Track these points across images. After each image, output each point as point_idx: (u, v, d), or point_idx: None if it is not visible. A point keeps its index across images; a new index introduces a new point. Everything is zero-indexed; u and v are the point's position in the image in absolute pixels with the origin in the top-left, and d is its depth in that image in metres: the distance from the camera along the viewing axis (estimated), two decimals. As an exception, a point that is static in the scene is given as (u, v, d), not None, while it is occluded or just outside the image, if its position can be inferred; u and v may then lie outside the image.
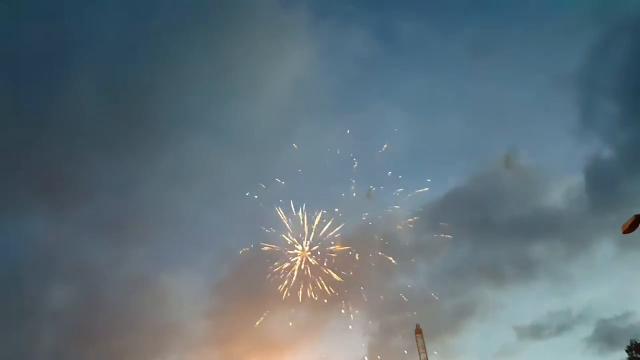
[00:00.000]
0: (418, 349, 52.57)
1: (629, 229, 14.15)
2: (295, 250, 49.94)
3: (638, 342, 43.13)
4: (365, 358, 54.04)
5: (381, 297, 52.37)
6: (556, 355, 73.62)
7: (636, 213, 13.77)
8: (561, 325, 69.56)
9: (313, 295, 50.00)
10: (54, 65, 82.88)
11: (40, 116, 77.49)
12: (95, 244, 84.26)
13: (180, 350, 67.45)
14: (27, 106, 76.59)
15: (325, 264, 49.93)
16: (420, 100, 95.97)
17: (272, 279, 49.94)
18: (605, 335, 60.00)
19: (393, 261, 50.71)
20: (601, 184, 69.18)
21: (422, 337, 53.48)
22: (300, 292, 49.99)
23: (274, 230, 50.43)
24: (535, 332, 70.73)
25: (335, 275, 50.17)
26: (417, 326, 53.64)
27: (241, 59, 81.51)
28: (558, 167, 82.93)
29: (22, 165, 76.59)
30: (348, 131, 55.89)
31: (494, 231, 74.39)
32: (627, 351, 43.50)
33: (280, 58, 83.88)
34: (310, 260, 50.10)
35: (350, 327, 53.14)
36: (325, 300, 50.68)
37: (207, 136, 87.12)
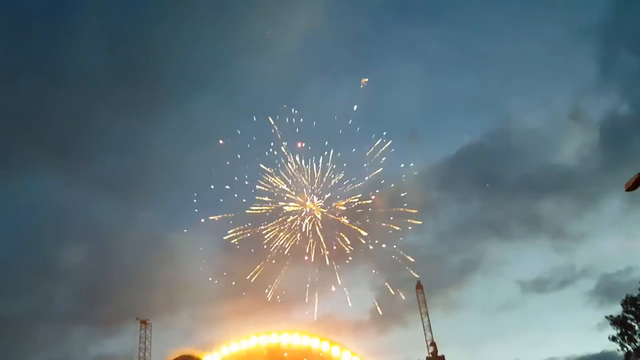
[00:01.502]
0: (419, 303, 53.96)
1: (632, 186, 14.25)
2: (303, 207, 50.51)
3: (633, 296, 43.66)
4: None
5: (390, 254, 53.10)
6: (558, 308, 75.69)
7: (640, 171, 13.87)
8: (565, 280, 71.34)
9: (323, 251, 50.83)
10: (58, 21, 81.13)
11: (45, 75, 76.80)
12: (104, 203, 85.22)
13: (192, 306, 69.01)
14: (32, 65, 75.69)
15: (332, 221, 50.56)
16: (435, 54, 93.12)
17: (282, 236, 50.65)
18: (606, 289, 61.41)
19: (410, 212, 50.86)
20: (615, 140, 68.32)
21: (422, 293, 54.70)
22: (308, 248, 50.86)
23: (283, 187, 50.83)
24: (539, 286, 72.46)
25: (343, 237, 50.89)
26: (418, 282, 54.82)
27: (250, 13, 79.15)
28: (573, 122, 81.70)
29: (27, 125, 76.41)
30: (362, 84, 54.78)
31: (503, 187, 74.53)
32: (622, 305, 44.14)
33: (290, 12, 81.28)
34: (318, 215, 50.71)
35: (357, 282, 54.18)
36: (329, 257, 51.51)
37: (215, 94, 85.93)
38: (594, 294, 66.50)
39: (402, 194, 53.32)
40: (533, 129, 77.22)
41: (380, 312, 53.94)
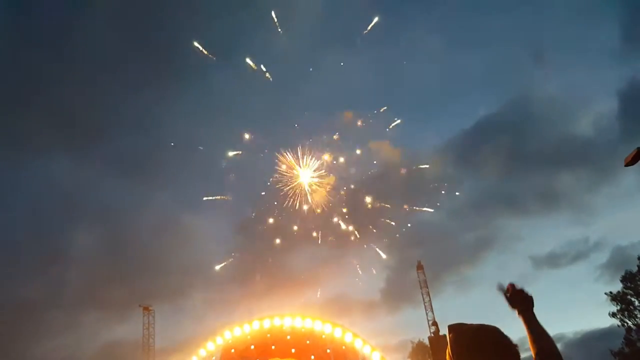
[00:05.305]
0: (420, 283, 54.06)
1: (631, 161, 14.21)
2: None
3: (632, 272, 43.62)
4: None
5: (401, 230, 52.20)
6: (569, 282, 75.69)
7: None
8: (577, 254, 71.29)
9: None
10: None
11: (54, 50, 75.24)
12: (118, 184, 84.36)
13: (205, 290, 68.74)
14: (39, 40, 74.05)
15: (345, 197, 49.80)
16: (455, 23, 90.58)
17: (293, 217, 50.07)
18: (619, 262, 61.14)
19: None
20: (635, 109, 66.77)
21: (423, 273, 54.78)
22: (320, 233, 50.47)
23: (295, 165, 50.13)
24: (552, 261, 72.41)
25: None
26: (419, 262, 54.77)
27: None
28: (591, 91, 79.72)
29: (36, 104, 75.16)
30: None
31: (521, 161, 73.40)
32: (621, 281, 44.09)
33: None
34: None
35: (368, 261, 53.71)
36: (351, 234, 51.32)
37: (232, 69, 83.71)
38: (606, 267, 66.24)
39: (417, 169, 52.61)
40: (552, 98, 75.65)
41: (389, 293, 53.63)
